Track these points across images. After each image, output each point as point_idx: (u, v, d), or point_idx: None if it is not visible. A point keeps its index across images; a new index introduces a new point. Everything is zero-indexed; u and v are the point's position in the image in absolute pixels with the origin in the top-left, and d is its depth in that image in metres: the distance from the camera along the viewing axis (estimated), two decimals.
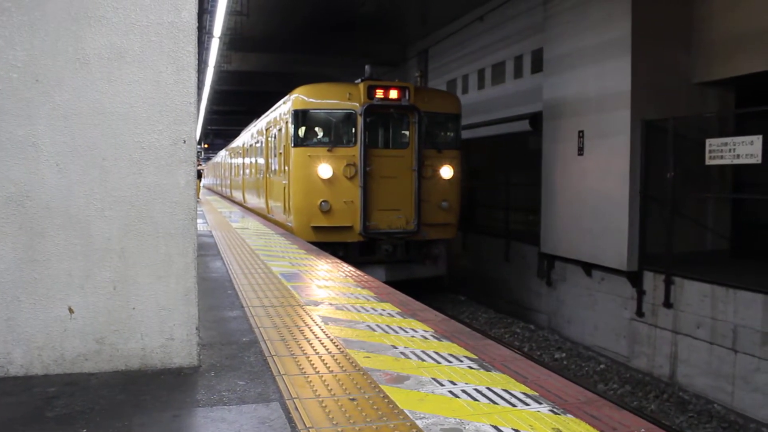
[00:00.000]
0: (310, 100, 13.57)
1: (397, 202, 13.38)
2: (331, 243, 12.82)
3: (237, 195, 29.13)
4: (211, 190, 48.97)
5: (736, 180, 12.73)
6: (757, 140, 9.58)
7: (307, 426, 3.05)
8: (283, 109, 15.07)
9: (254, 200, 21.69)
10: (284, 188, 14.46)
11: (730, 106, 12.62)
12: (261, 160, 19.38)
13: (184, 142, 3.97)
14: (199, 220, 15.87)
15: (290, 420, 3.13)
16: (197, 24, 4.04)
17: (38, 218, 3.77)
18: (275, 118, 16.34)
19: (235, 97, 37.22)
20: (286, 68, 27.00)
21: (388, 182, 13.33)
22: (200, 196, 31.02)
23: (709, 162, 10.51)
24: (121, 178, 3.87)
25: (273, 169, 16.74)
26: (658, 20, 11.92)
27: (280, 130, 15.31)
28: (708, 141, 10.50)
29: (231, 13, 19.32)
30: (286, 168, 14.11)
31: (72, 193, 3.80)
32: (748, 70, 11.18)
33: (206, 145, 59.07)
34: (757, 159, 9.59)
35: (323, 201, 12.96)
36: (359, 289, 6.74)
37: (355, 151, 13.12)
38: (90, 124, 3.82)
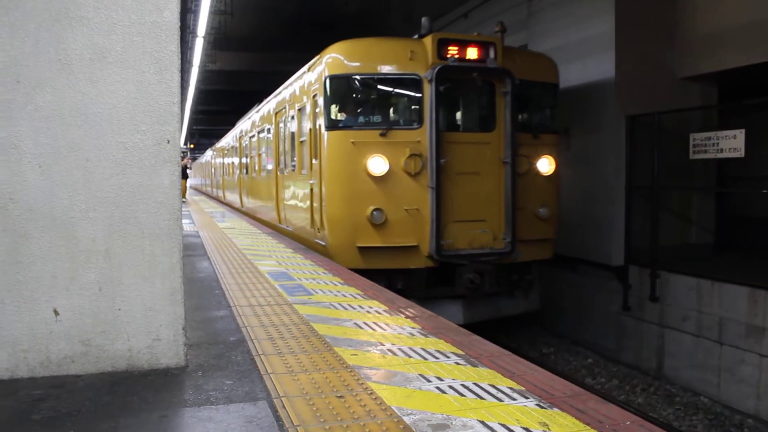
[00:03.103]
0: (353, 63, 9.52)
1: (481, 209, 9.51)
2: (386, 271, 9.23)
3: (232, 198, 24.89)
4: (198, 190, 48.68)
5: (719, 173, 12.85)
6: (740, 134, 9.66)
7: (295, 424, 3.05)
8: (308, 78, 10.97)
9: (257, 205, 17.54)
10: (311, 191, 10.52)
11: (713, 100, 12.72)
12: (268, 154, 15.52)
13: (168, 142, 3.96)
14: (185, 221, 15.81)
15: (278, 418, 3.14)
16: (180, 23, 4.03)
17: (22, 220, 3.74)
18: (293, 95, 12.27)
19: (220, 96, 37.16)
20: (271, 67, 26.93)
21: (467, 181, 9.45)
22: (186, 197, 30.88)
23: (693, 156, 10.60)
24: (104, 179, 3.86)
25: (289, 164, 12.80)
26: (641, 16, 12.00)
27: (301, 110, 11.50)
28: (692, 135, 10.59)
29: (215, 12, 19.26)
30: (315, 162, 10.23)
31: (55, 194, 3.78)
32: (730, 65, 11.27)
33: (192, 145, 58.86)
34: (740, 153, 9.67)
35: (375, 209, 9.09)
36: (346, 286, 6.74)
37: (422, 135, 9.22)
38: (73, 125, 3.80)
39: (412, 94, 9.46)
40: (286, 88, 13.12)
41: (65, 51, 3.78)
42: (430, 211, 9.14)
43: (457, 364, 4.01)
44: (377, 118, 9.63)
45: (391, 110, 9.84)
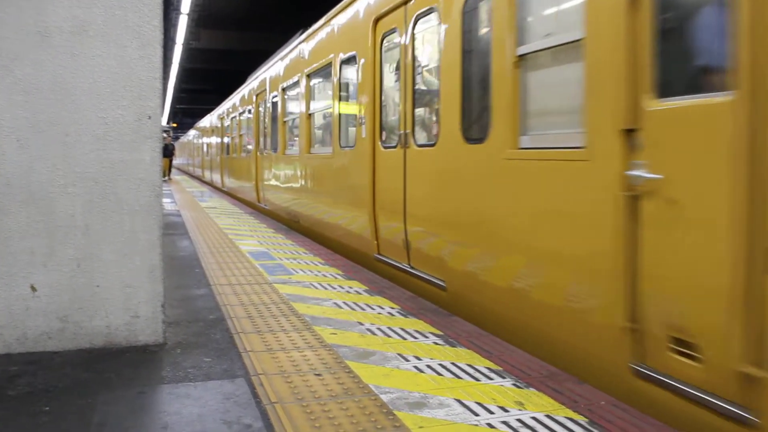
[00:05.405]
0: None
1: None
2: None
3: (236, 186, 18.58)
4: (180, 170, 48.16)
5: None
6: None
7: (272, 401, 3.06)
8: None
9: (296, 205, 10.98)
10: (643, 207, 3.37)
11: None
12: (362, 106, 7.51)
13: (149, 117, 3.93)
14: (167, 200, 15.75)
15: (255, 395, 3.15)
16: None
17: None
18: None
19: (203, 75, 36.88)
20: (256, 46, 26.77)
21: None
22: (171, 176, 30.64)
23: None
24: (84, 154, 3.82)
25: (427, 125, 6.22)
26: None
27: None
28: None
29: None
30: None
31: (34, 169, 3.75)
32: None
33: (174, 124, 58.40)
34: None
35: None
36: (327, 266, 6.75)
37: None
38: (52, 99, 3.76)
39: None
40: None
41: (45, 23, 3.73)
42: None
43: (436, 343, 4.04)
44: None
45: None
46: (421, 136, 6.18)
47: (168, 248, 7.65)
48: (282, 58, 12.36)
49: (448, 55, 5.42)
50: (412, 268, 6.20)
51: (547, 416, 2.94)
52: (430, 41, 6.08)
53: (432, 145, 5.76)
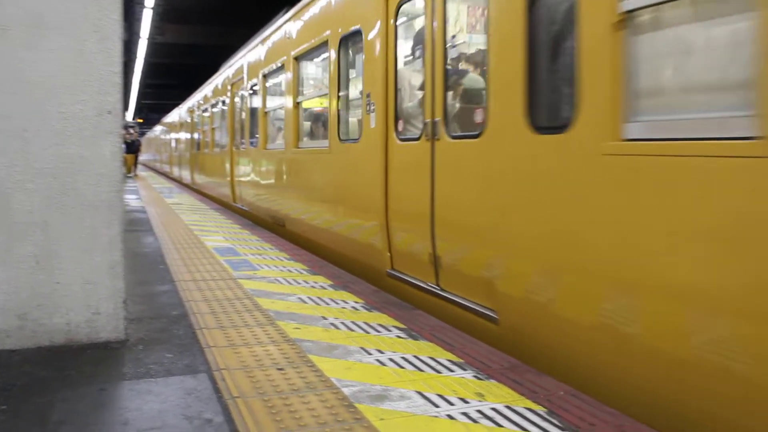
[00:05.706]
0: None
1: None
2: None
3: (215, 188, 16.00)
4: (146, 166, 47.49)
5: None
6: None
7: (234, 396, 3.07)
8: None
9: None
10: None
11: None
12: None
13: (109, 112, 3.89)
14: (132, 196, 15.56)
15: (217, 390, 3.14)
16: None
17: None
18: None
19: (169, 70, 36.50)
20: (222, 41, 26.57)
21: None
22: (138, 172, 30.19)
23: None
24: (43, 150, 3.77)
25: None
26: None
27: None
28: None
29: None
30: None
31: None
32: None
33: (140, 120, 57.66)
34: None
35: None
36: (292, 262, 6.74)
37: None
38: (9, 93, 3.70)
39: None
40: None
41: (2, 16, 3.67)
42: None
43: (399, 337, 4.07)
44: None
45: None
46: (458, 125, 5.09)
47: (132, 244, 7.59)
48: (263, 41, 10.84)
49: (503, 17, 4.19)
50: (442, 290, 5.06)
51: (507, 407, 2.99)
52: (471, 2, 5.17)
53: (476, 136, 4.56)
